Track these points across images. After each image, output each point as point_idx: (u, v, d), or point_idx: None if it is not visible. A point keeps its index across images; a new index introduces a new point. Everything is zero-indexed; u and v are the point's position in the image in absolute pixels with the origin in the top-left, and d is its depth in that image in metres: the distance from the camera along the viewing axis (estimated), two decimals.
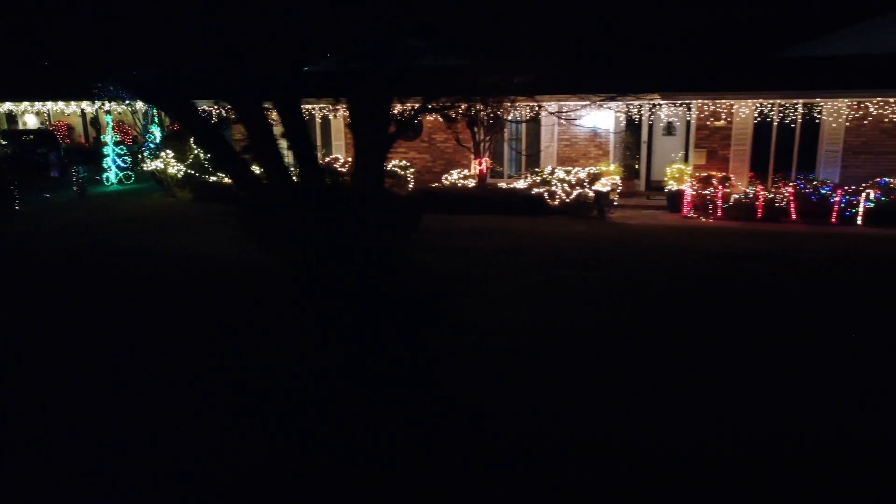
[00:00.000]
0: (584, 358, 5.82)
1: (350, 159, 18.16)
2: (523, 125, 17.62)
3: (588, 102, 15.45)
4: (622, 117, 16.85)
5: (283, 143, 6.84)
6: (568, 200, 15.07)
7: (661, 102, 15.81)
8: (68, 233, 12.78)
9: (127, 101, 23.16)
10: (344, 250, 6.41)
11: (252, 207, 6.52)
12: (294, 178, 7.01)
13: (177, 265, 9.54)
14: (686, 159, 16.43)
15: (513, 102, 15.29)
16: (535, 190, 15.44)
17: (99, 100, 23.50)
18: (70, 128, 30.81)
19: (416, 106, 7.74)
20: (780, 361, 5.73)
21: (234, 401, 5.00)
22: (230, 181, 9.17)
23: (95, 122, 29.15)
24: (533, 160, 17.49)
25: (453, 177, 16.85)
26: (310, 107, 17.67)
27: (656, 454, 4.08)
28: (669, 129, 17.40)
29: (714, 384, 5.21)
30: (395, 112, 7.23)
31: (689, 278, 9.11)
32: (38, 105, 29.33)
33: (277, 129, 6.23)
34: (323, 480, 3.86)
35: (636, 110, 16.61)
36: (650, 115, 16.99)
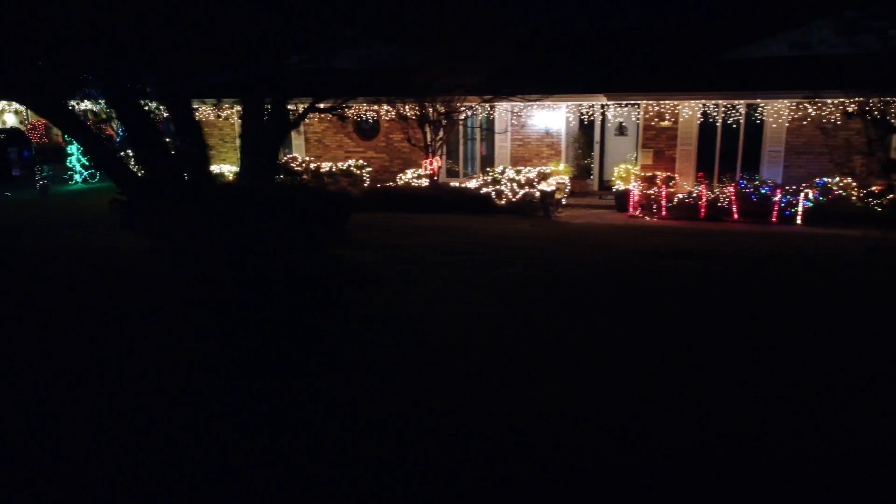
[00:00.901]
0: (477, 353, 5.93)
1: (308, 158, 18.37)
2: (478, 125, 17.84)
3: (536, 103, 15.68)
4: (572, 118, 17.05)
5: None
6: (514, 199, 15.26)
7: (608, 103, 16.02)
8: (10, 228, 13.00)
9: (99, 101, 23.28)
10: (224, 247, 6.56)
11: (137, 203, 6.68)
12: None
13: (92, 261, 9.72)
14: (637, 159, 16.63)
15: (461, 103, 15.49)
16: (484, 189, 15.64)
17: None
18: (48, 127, 30.99)
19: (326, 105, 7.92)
20: (677, 352, 5.88)
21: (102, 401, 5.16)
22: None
23: None
24: (489, 160, 17.71)
25: (407, 176, 17.05)
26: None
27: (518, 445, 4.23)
28: (621, 130, 17.60)
29: (593, 381, 5.36)
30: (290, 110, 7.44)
31: (602, 274, 9.27)
32: (15, 104, 29.49)
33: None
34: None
35: (586, 111, 16.81)
36: (601, 116, 17.19)
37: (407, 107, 15.82)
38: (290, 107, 7.60)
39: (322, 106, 7.42)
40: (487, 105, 16.69)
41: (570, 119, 17.06)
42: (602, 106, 16.58)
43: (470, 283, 8.61)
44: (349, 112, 17.11)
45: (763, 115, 14.98)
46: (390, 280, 8.87)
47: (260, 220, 7.09)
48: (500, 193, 15.43)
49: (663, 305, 7.52)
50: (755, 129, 15.25)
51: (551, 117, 16.84)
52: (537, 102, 16.49)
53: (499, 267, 9.62)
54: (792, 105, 14.53)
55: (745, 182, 14.67)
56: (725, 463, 3.91)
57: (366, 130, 18.43)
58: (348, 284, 8.72)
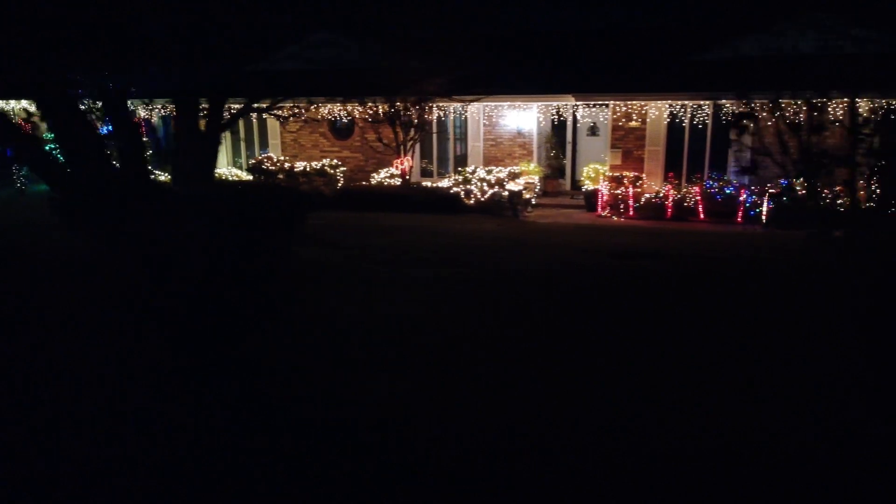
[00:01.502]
0: (403, 355, 5.98)
1: (283, 157, 18.47)
2: (451, 125, 17.94)
3: (507, 103, 15.78)
4: (543, 118, 17.14)
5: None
6: (483, 199, 15.36)
7: (577, 104, 16.11)
8: None
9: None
10: (157, 245, 6.66)
11: (71, 204, 6.78)
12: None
13: (40, 260, 9.81)
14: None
15: (430, 103, 15.60)
16: (455, 189, 15.74)
17: None
18: (34, 126, 31.05)
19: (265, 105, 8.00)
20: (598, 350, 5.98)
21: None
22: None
23: None
24: (463, 159, 17.82)
25: (380, 175, 17.14)
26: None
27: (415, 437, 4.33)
28: (593, 130, 17.69)
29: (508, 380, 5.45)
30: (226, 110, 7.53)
31: (547, 274, 9.37)
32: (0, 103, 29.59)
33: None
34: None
35: (557, 111, 16.90)
36: (573, 116, 17.29)
37: (379, 107, 15.92)
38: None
39: (257, 106, 7.50)
40: (459, 105, 16.79)
41: (542, 119, 17.16)
42: (572, 106, 16.67)
43: (419, 282, 8.71)
44: (322, 112, 17.25)
45: (730, 116, 15.07)
46: (340, 280, 8.97)
47: (201, 221, 7.18)
48: (469, 193, 15.54)
49: (595, 303, 7.63)
50: (722, 129, 15.34)
51: (523, 117, 16.93)
52: (508, 103, 16.61)
53: (450, 266, 9.72)
54: (758, 106, 14.60)
55: (710, 182, 14.78)
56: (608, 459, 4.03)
57: (340, 130, 18.54)
58: (296, 285, 8.83)
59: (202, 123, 7.27)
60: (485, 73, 15.48)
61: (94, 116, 7.63)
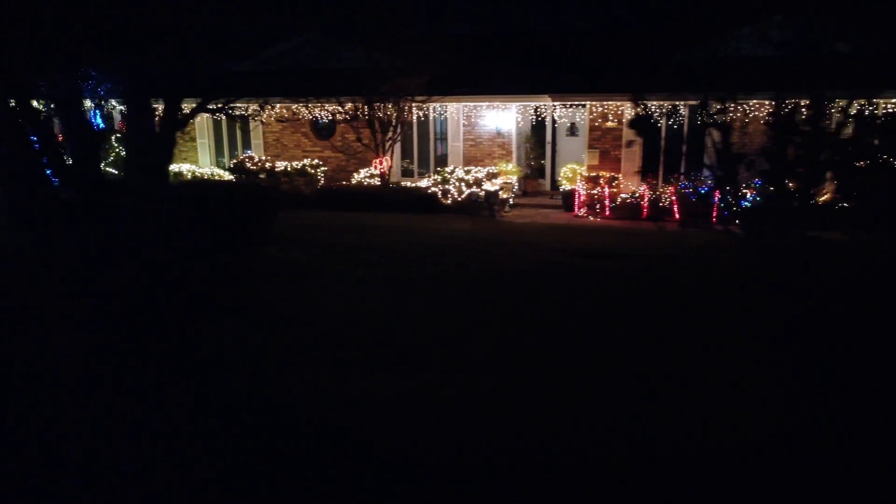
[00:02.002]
0: (351, 350, 6.01)
1: (265, 157, 18.53)
2: (431, 125, 18.00)
3: (486, 104, 15.83)
4: (522, 118, 17.20)
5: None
6: (460, 199, 15.42)
7: (555, 104, 16.17)
8: None
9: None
10: (109, 244, 6.71)
11: (24, 200, 6.83)
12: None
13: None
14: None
15: (408, 103, 15.67)
16: (433, 189, 15.80)
17: None
18: None
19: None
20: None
21: None
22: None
23: None
24: (444, 159, 17.89)
25: (360, 175, 17.21)
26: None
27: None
28: (573, 130, 17.75)
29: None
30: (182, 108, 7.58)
31: (519, 273, 9.43)
32: None
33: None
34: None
35: (536, 111, 16.96)
36: (552, 117, 17.34)
37: (358, 107, 15.98)
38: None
39: (211, 106, 7.54)
40: (439, 105, 16.86)
41: (520, 120, 17.21)
42: (550, 107, 16.73)
43: (384, 281, 8.75)
44: (306, 111, 17.33)
45: (704, 117, 15.12)
46: (305, 277, 9.00)
47: (151, 222, 7.23)
48: (447, 193, 15.60)
49: (565, 300, 7.70)
50: (699, 129, 15.37)
51: (502, 118, 17.00)
52: (486, 103, 16.67)
53: (416, 265, 9.77)
54: (731, 106, 14.65)
55: (685, 183, 14.83)
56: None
57: (322, 130, 18.60)
58: (260, 284, 8.85)
59: (157, 123, 7.33)
60: (463, 74, 15.55)
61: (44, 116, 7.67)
